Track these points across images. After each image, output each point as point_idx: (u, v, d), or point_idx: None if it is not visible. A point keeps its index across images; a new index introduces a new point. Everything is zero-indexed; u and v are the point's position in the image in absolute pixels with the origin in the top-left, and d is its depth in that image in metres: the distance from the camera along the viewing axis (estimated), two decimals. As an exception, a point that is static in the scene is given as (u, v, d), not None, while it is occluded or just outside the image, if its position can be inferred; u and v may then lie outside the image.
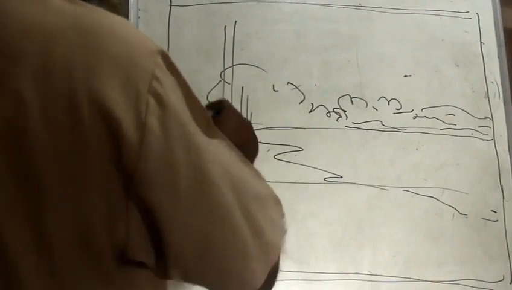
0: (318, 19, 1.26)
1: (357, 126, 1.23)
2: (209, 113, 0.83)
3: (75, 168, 0.49)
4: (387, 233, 1.20)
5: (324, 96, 1.24)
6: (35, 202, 0.49)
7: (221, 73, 1.21)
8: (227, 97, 1.21)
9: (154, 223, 0.52)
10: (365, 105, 1.24)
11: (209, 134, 0.57)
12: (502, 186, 1.26)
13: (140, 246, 0.53)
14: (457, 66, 1.29)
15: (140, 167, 0.50)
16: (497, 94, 1.30)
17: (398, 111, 1.25)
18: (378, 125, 1.24)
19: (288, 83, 1.23)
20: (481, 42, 1.31)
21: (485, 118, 1.28)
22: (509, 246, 1.24)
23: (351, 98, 1.24)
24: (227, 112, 0.85)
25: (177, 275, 0.56)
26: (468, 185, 1.24)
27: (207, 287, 0.61)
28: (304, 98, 1.23)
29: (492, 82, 1.30)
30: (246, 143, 0.80)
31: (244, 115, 1.20)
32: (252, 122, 1.20)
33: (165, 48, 1.20)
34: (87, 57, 0.49)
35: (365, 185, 1.21)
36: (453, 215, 1.23)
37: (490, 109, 1.29)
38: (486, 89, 1.29)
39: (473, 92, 1.29)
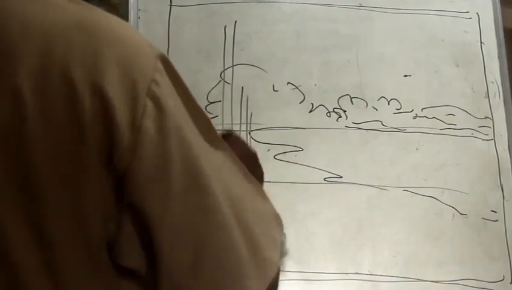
0: (318, 19, 1.26)
1: (357, 126, 1.23)
2: None
3: (72, 168, 0.48)
4: (387, 233, 1.20)
5: (324, 96, 1.24)
6: (34, 201, 0.49)
7: (221, 73, 1.21)
8: (227, 97, 1.21)
9: (145, 228, 0.51)
10: (365, 105, 1.24)
11: (211, 141, 0.56)
12: (502, 186, 1.26)
13: (130, 251, 0.52)
14: (457, 66, 1.29)
15: (133, 168, 0.49)
16: (497, 94, 1.30)
17: (398, 111, 1.25)
18: (378, 125, 1.24)
19: (288, 83, 1.23)
20: (481, 42, 1.31)
21: (485, 118, 1.28)
22: (509, 246, 1.24)
23: (351, 98, 1.24)
24: (234, 139, 0.83)
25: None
26: (468, 185, 1.24)
27: None
28: (304, 98, 1.23)
29: (493, 82, 1.30)
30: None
31: (244, 115, 1.20)
32: (252, 122, 1.20)
33: (165, 48, 1.21)
34: (87, 58, 0.49)
35: (365, 185, 1.21)
36: (453, 215, 1.23)
37: (490, 108, 1.29)
38: (486, 89, 1.29)
39: (473, 92, 1.29)
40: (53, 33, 0.49)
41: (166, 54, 1.22)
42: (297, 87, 1.23)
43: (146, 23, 1.21)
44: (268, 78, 1.23)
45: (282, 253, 0.63)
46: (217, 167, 0.56)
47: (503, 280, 1.22)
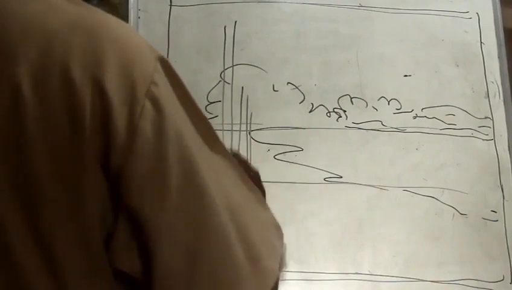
0: (318, 19, 1.26)
1: (357, 126, 1.23)
2: None
3: (72, 167, 0.48)
4: (387, 233, 1.20)
5: (324, 96, 1.24)
6: (33, 202, 0.49)
7: (221, 73, 1.21)
8: (227, 97, 1.21)
9: (141, 231, 0.50)
10: (365, 105, 1.24)
11: (211, 145, 0.55)
12: (502, 186, 1.26)
13: (126, 254, 0.51)
14: (457, 66, 1.29)
15: (128, 169, 0.49)
16: (497, 94, 1.30)
17: (398, 111, 1.25)
18: (378, 125, 1.24)
19: (288, 83, 1.23)
20: (481, 42, 1.31)
21: (485, 118, 1.28)
22: (509, 246, 1.24)
23: (351, 98, 1.24)
24: (237, 157, 0.81)
25: None
26: (468, 185, 1.24)
27: None
28: (304, 98, 1.23)
29: (493, 82, 1.30)
30: None
31: (244, 115, 1.20)
32: (252, 122, 1.20)
33: (165, 48, 1.21)
34: (87, 58, 0.49)
35: (365, 185, 1.21)
36: (453, 215, 1.23)
37: (490, 108, 1.29)
38: (486, 89, 1.29)
39: (473, 92, 1.29)
40: (53, 33, 0.49)
41: (166, 54, 1.23)
42: (297, 87, 1.23)
43: (146, 23, 1.21)
44: (268, 78, 1.23)
45: (282, 263, 0.62)
46: (216, 171, 0.55)
47: (503, 280, 1.22)
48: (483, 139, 1.27)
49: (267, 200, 0.68)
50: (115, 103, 0.48)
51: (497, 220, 1.24)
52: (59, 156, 0.48)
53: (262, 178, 1.13)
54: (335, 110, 1.23)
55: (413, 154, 1.24)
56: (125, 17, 1.18)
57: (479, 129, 1.27)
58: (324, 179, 1.21)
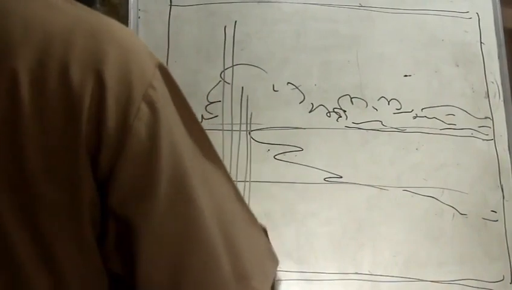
0: (318, 19, 1.26)
1: (357, 126, 1.23)
2: None
3: (67, 167, 0.48)
4: (387, 233, 1.20)
5: (324, 96, 1.24)
6: (31, 201, 0.49)
7: (221, 73, 1.21)
8: (227, 97, 1.21)
9: (128, 235, 0.49)
10: (365, 105, 1.24)
11: (207, 157, 0.54)
12: (502, 186, 1.26)
13: (114, 253, 0.51)
14: (457, 66, 1.29)
15: (118, 169, 0.49)
16: (497, 94, 1.30)
17: (398, 111, 1.25)
18: (378, 125, 1.24)
19: (288, 83, 1.23)
20: (481, 42, 1.31)
21: (485, 118, 1.28)
22: (509, 246, 1.24)
23: (351, 98, 1.24)
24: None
25: None
26: (468, 185, 1.24)
27: None
28: (304, 98, 1.23)
29: (493, 82, 1.30)
30: None
31: (244, 115, 1.20)
32: (252, 122, 1.20)
33: (165, 48, 1.21)
34: (87, 58, 0.49)
35: (365, 185, 1.21)
36: (453, 215, 1.23)
37: (490, 109, 1.29)
38: (486, 89, 1.29)
39: (473, 92, 1.29)
40: (53, 34, 0.49)
41: (166, 54, 1.23)
42: (297, 87, 1.23)
43: (146, 23, 1.21)
44: (268, 78, 1.23)
45: (274, 282, 0.59)
46: (209, 184, 0.54)
47: (503, 280, 1.22)
48: (483, 139, 1.27)
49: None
50: (110, 103, 0.48)
51: (497, 220, 1.24)
52: (55, 155, 0.48)
53: (263, 178, 1.14)
54: (335, 110, 1.23)
55: (413, 154, 1.24)
56: (125, 17, 1.18)
57: (479, 129, 1.27)
58: (324, 179, 1.20)
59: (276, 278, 0.60)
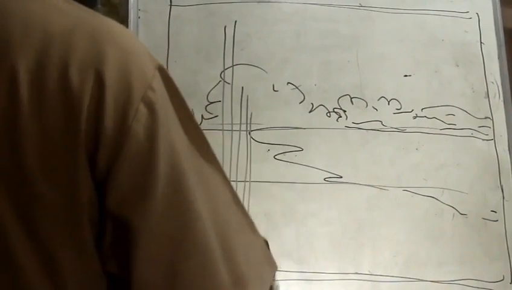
0: (318, 18, 1.26)
1: (357, 126, 1.23)
2: None
3: (65, 167, 0.48)
4: (387, 233, 1.20)
5: (324, 96, 1.24)
6: (30, 202, 0.49)
7: (221, 73, 1.21)
8: (227, 97, 1.21)
9: (125, 236, 0.49)
10: (365, 105, 1.24)
11: (205, 160, 0.54)
12: (502, 186, 1.26)
13: (111, 253, 0.51)
14: (457, 66, 1.29)
15: (116, 169, 0.48)
16: (497, 94, 1.30)
17: (398, 111, 1.25)
18: (378, 125, 1.24)
19: (288, 83, 1.23)
20: (481, 42, 1.31)
21: (485, 118, 1.28)
22: (509, 246, 1.24)
23: (351, 98, 1.24)
24: None
25: None
26: (468, 185, 1.24)
27: None
28: (304, 98, 1.23)
29: (493, 82, 1.30)
30: None
31: (244, 115, 1.20)
32: (252, 122, 1.20)
33: (165, 48, 1.21)
34: (87, 58, 0.49)
35: (365, 185, 1.21)
36: (453, 215, 1.23)
37: (490, 109, 1.29)
38: (486, 89, 1.29)
39: (473, 92, 1.29)
40: (54, 34, 0.49)
41: (166, 54, 1.23)
42: (297, 87, 1.23)
43: (146, 23, 1.21)
44: (268, 78, 1.23)
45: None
46: (206, 187, 0.53)
47: (503, 280, 1.22)
48: (483, 139, 1.27)
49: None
50: (109, 103, 0.48)
51: (497, 220, 1.24)
52: (54, 154, 0.48)
53: (263, 178, 1.14)
54: (335, 110, 1.23)
55: (413, 154, 1.24)
56: (125, 17, 1.18)
57: (479, 129, 1.27)
58: (324, 179, 1.20)
59: (274, 283, 0.59)
